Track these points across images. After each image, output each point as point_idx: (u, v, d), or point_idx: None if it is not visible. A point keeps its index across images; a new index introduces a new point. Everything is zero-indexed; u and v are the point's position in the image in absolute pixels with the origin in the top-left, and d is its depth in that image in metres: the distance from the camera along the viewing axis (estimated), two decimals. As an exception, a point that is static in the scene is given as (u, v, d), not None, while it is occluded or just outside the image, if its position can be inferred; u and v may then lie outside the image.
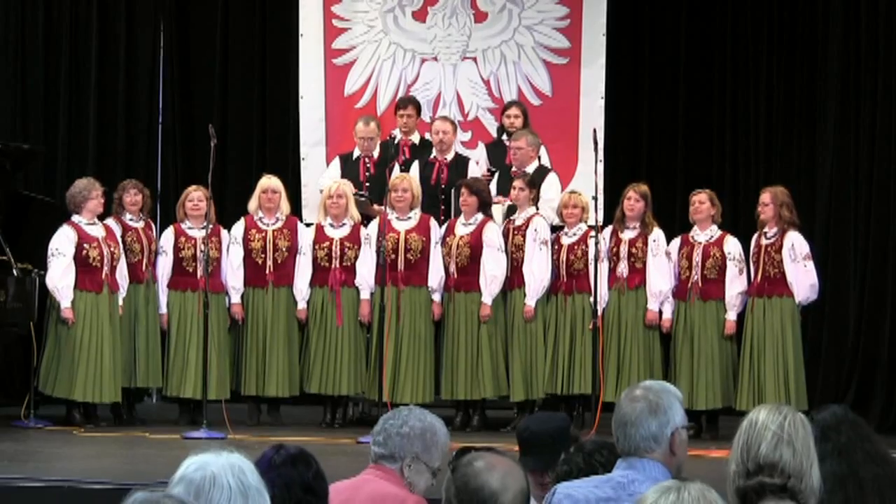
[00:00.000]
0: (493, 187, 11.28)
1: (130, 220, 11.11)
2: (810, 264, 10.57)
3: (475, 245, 10.82)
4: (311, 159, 12.54)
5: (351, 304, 10.94)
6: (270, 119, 13.05)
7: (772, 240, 10.59)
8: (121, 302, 10.85)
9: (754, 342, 10.54)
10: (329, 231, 11.03)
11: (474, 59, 12.56)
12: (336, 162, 11.82)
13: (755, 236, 10.72)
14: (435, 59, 12.60)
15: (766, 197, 10.64)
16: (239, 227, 11.13)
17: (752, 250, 10.70)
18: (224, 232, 11.15)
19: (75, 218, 10.82)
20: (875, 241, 11.62)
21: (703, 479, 3.15)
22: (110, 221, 11.03)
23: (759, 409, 3.62)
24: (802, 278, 10.53)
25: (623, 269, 10.79)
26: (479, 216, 10.89)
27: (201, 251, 10.83)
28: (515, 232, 10.89)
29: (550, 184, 11.27)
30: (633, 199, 10.82)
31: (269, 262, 11.01)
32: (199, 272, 10.88)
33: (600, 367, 10.46)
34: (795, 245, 10.54)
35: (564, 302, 10.77)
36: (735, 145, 12.43)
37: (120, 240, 10.92)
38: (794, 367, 10.49)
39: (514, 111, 11.73)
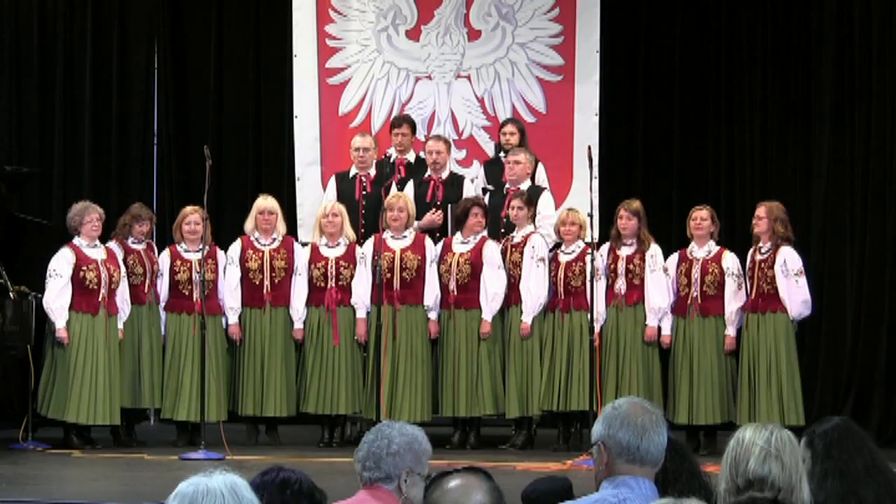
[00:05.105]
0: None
1: (132, 242, 11.14)
2: (802, 280, 10.57)
3: (475, 262, 10.84)
4: (306, 179, 12.54)
5: (347, 323, 10.94)
6: (265, 139, 13.06)
7: (765, 255, 10.61)
8: (121, 326, 10.87)
9: (751, 358, 10.56)
10: (324, 251, 11.05)
11: (468, 78, 12.57)
12: (332, 181, 11.83)
13: (751, 251, 10.73)
14: (429, 77, 12.62)
15: (760, 211, 10.66)
16: (235, 247, 11.15)
17: (747, 265, 10.71)
18: (220, 253, 11.16)
19: (76, 240, 10.87)
20: (871, 253, 11.65)
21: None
22: (112, 244, 11.05)
23: (746, 428, 3.62)
24: (794, 294, 10.53)
25: (621, 285, 10.79)
26: (481, 234, 10.93)
27: (197, 273, 10.85)
28: (513, 249, 10.90)
29: (545, 202, 11.28)
30: (626, 218, 10.83)
31: (267, 283, 11.02)
32: (196, 295, 10.90)
33: (597, 383, 10.46)
34: (788, 261, 10.54)
35: (562, 319, 10.77)
36: (730, 160, 12.44)
37: (122, 263, 10.94)
38: (788, 383, 10.49)
39: (510, 128, 11.74)
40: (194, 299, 10.94)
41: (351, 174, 11.70)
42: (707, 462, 9.41)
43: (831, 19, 11.97)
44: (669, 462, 4.06)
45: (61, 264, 10.74)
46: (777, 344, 10.51)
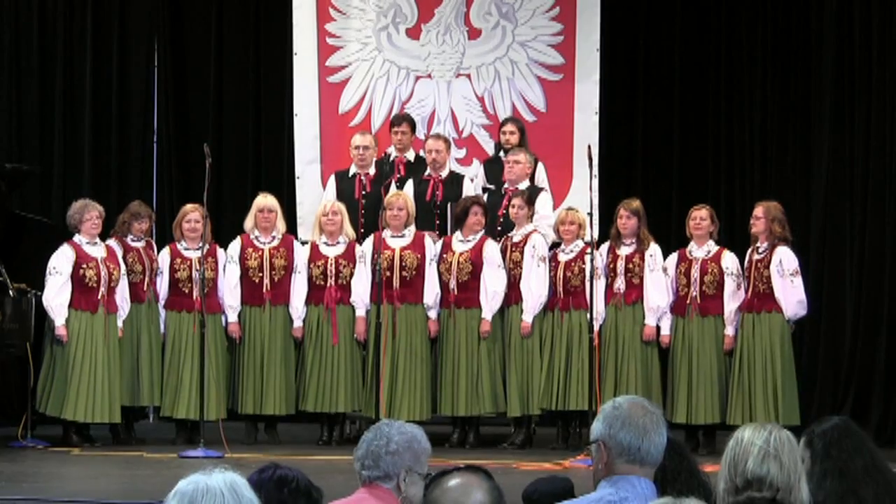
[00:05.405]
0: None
1: (132, 240, 11.14)
2: (798, 280, 10.56)
3: (476, 261, 10.84)
4: (305, 177, 12.55)
5: (346, 322, 10.95)
6: (265, 137, 13.06)
7: (762, 255, 10.61)
8: (120, 324, 10.87)
9: (744, 358, 10.56)
10: (324, 249, 11.05)
11: (468, 76, 12.57)
12: (332, 180, 11.84)
13: (749, 251, 10.74)
14: (429, 76, 12.62)
15: (758, 211, 10.67)
16: (235, 245, 11.15)
17: (745, 265, 10.72)
18: (220, 251, 11.16)
19: (76, 238, 10.87)
20: (871, 252, 11.65)
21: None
22: (111, 242, 11.05)
23: (745, 428, 3.62)
24: (790, 294, 10.53)
25: (620, 284, 10.79)
26: (480, 233, 10.93)
27: (197, 271, 10.85)
28: (513, 248, 10.90)
29: (543, 203, 11.28)
30: (625, 217, 10.84)
31: (266, 281, 11.02)
32: (195, 293, 10.90)
33: (597, 382, 10.46)
34: (783, 261, 10.54)
35: (561, 318, 10.76)
36: (730, 160, 12.44)
37: (121, 261, 10.94)
38: (783, 384, 10.48)
39: (509, 127, 11.74)
40: (194, 297, 10.94)
41: (351, 173, 11.70)
42: (706, 462, 9.45)
43: (831, 19, 11.97)
44: (668, 461, 4.06)
45: (61, 262, 10.74)
46: (772, 344, 10.51)
